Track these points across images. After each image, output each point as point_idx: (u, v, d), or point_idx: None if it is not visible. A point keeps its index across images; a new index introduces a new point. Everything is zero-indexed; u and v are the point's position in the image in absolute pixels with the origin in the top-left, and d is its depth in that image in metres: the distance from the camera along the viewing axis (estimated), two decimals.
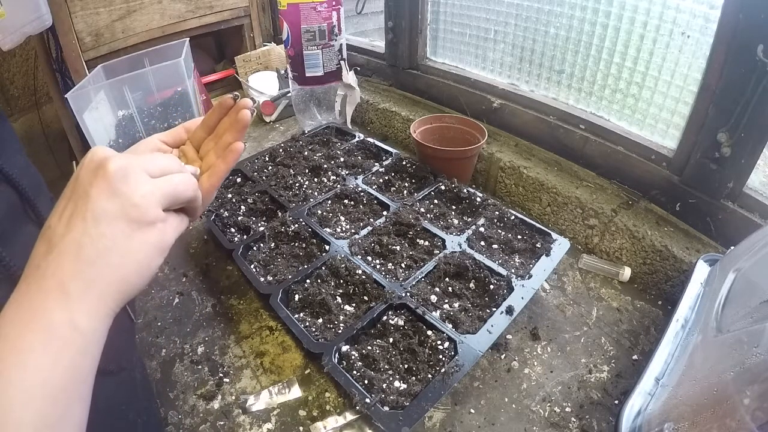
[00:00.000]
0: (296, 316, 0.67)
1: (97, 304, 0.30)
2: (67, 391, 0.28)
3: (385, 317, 0.66)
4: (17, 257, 0.38)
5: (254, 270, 0.74)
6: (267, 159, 1.03)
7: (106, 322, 0.31)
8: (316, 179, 0.96)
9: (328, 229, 0.81)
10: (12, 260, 0.37)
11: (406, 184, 0.94)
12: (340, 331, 0.64)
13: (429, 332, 0.63)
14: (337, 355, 0.60)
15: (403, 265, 0.74)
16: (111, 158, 0.32)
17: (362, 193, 0.89)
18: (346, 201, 0.89)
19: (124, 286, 0.32)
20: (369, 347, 0.61)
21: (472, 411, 0.59)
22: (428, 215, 0.84)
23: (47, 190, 0.49)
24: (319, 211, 0.85)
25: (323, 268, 0.73)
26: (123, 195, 0.32)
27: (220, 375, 0.64)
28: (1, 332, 0.28)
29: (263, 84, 1.39)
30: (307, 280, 0.72)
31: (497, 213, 0.82)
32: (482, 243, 0.78)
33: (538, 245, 0.76)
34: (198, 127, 0.48)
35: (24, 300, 0.29)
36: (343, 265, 0.72)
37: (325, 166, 0.97)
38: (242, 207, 0.88)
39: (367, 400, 0.54)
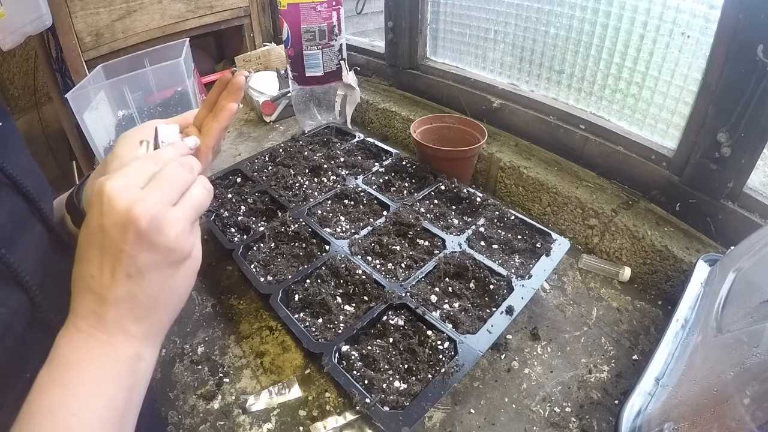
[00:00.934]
0: (296, 316, 0.67)
1: (155, 338, 0.35)
2: (128, 416, 0.32)
3: (385, 317, 0.66)
4: (24, 260, 0.38)
5: (254, 270, 0.74)
6: (267, 159, 1.03)
7: (159, 348, 0.35)
8: (316, 179, 0.96)
9: (328, 229, 0.81)
10: (19, 264, 0.37)
11: (406, 184, 0.94)
12: (340, 331, 0.64)
13: (429, 332, 0.63)
14: (337, 355, 0.60)
15: (403, 265, 0.74)
16: (137, 210, 0.31)
17: (362, 193, 0.89)
18: (346, 201, 0.89)
19: (174, 314, 0.36)
20: (369, 347, 0.61)
21: (472, 411, 0.59)
22: (428, 215, 0.84)
23: (50, 190, 0.49)
24: (319, 211, 0.85)
25: (323, 268, 0.73)
26: (161, 245, 0.32)
27: (220, 375, 0.64)
28: (69, 369, 0.30)
29: (263, 84, 1.40)
30: (307, 280, 0.72)
31: (497, 213, 0.82)
32: (482, 243, 0.78)
33: (538, 245, 0.76)
34: (201, 108, 0.48)
35: (89, 342, 0.31)
36: (343, 265, 0.72)
37: (325, 166, 0.97)
38: (242, 207, 0.88)
39: (367, 400, 0.54)
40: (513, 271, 0.71)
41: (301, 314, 0.67)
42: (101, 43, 1.23)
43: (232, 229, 0.84)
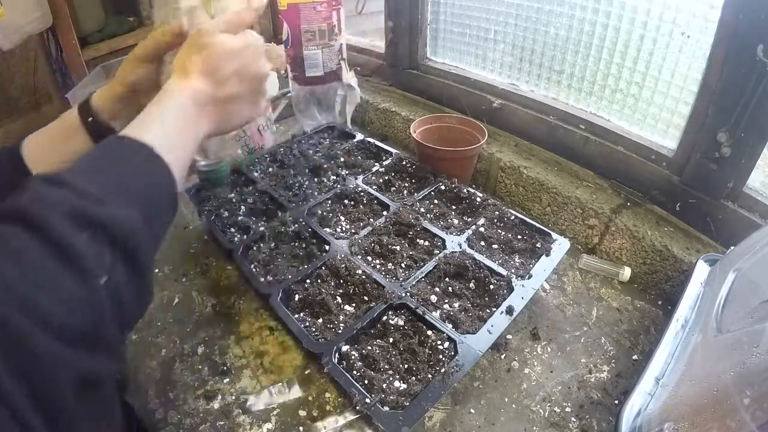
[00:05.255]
0: (296, 316, 0.67)
1: (208, 125, 0.44)
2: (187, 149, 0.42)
3: (385, 317, 0.66)
4: None
5: (254, 270, 0.74)
6: (267, 159, 1.03)
7: (201, 137, 0.43)
8: (316, 179, 0.96)
9: (328, 229, 0.81)
10: None
11: (406, 184, 0.94)
12: (340, 331, 0.64)
13: (429, 332, 0.63)
14: (337, 355, 0.60)
15: (403, 265, 0.74)
16: (263, 56, 0.47)
17: (362, 193, 0.89)
18: (346, 201, 0.89)
19: (224, 129, 0.47)
20: (369, 347, 0.61)
21: (472, 411, 0.59)
22: (428, 215, 0.84)
23: None
24: (319, 211, 0.85)
25: (323, 268, 0.73)
26: (264, 73, 0.47)
27: (220, 375, 0.64)
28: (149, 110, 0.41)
29: None
30: (307, 280, 0.72)
31: (497, 213, 0.82)
32: (482, 243, 0.78)
33: (538, 245, 0.76)
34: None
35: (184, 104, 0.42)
36: (343, 265, 0.72)
37: (325, 166, 0.97)
38: (242, 207, 0.88)
39: (367, 400, 0.54)
40: (513, 271, 0.71)
41: (301, 314, 0.67)
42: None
43: (232, 229, 0.84)
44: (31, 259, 0.26)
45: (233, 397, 0.61)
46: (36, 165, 0.49)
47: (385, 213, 0.84)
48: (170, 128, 0.40)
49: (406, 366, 0.60)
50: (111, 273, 0.29)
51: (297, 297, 0.70)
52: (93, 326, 0.27)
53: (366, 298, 0.69)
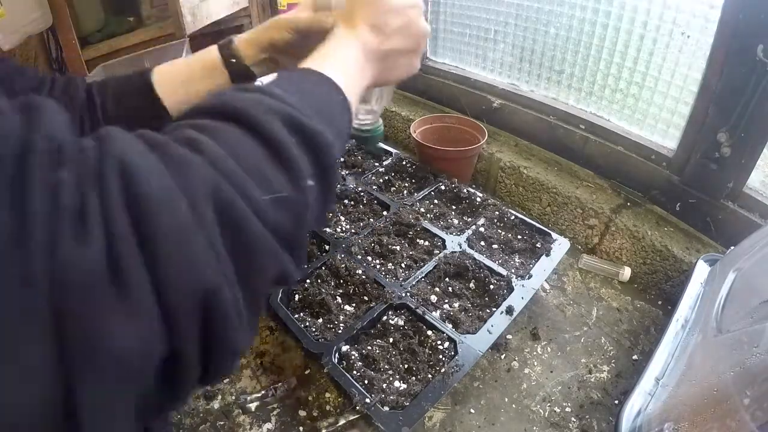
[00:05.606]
0: (296, 316, 0.66)
1: (371, 76, 0.44)
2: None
3: (385, 317, 0.65)
4: None
5: None
6: None
7: (363, 87, 0.44)
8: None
9: (328, 229, 0.81)
10: None
11: (406, 184, 0.94)
12: (340, 331, 0.64)
13: (429, 332, 0.63)
14: (337, 355, 0.60)
15: (403, 265, 0.74)
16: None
17: (362, 193, 0.89)
18: (346, 201, 0.89)
19: (381, 83, 0.47)
20: (369, 347, 0.61)
21: (472, 411, 0.59)
22: (428, 215, 0.84)
23: None
24: None
25: (323, 268, 0.73)
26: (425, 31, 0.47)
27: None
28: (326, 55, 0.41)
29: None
30: (307, 280, 0.72)
31: (497, 213, 0.82)
32: (482, 243, 0.78)
33: (538, 245, 0.76)
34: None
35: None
36: (343, 265, 0.72)
37: None
38: None
39: (367, 400, 0.54)
40: (513, 271, 0.71)
41: (301, 314, 0.67)
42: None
43: None
44: (248, 154, 0.27)
45: (233, 397, 0.61)
46: (168, 96, 0.51)
47: (385, 213, 0.84)
48: (347, 72, 0.41)
49: (406, 366, 0.60)
50: (315, 180, 0.30)
51: (297, 297, 0.70)
52: (295, 227, 0.28)
53: (366, 298, 0.69)
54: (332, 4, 0.50)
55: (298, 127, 0.30)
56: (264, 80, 0.35)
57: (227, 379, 0.63)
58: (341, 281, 0.71)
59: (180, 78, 0.53)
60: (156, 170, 0.22)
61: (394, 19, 0.44)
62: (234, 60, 0.52)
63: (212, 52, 0.53)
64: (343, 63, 0.41)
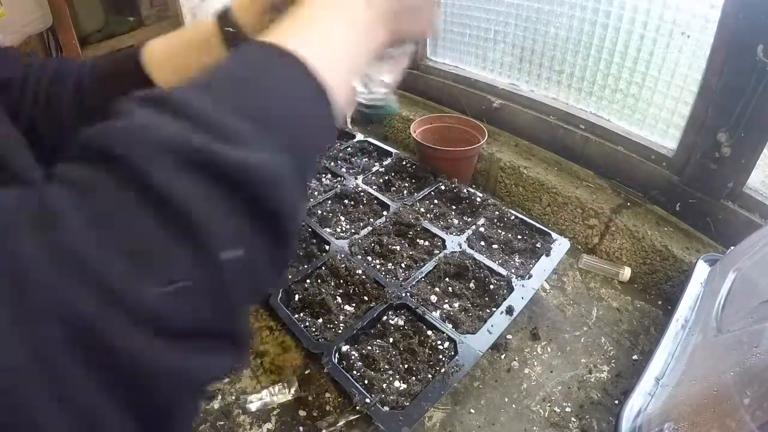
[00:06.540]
0: (296, 316, 0.66)
1: (384, 33, 0.34)
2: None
3: (385, 317, 0.65)
4: None
5: None
6: None
7: (373, 48, 0.34)
8: (316, 179, 0.96)
9: (328, 229, 0.81)
10: None
11: (406, 184, 0.94)
12: (340, 331, 0.64)
13: (429, 332, 0.63)
14: (337, 355, 0.60)
15: (403, 265, 0.74)
16: None
17: (362, 193, 0.89)
18: (346, 201, 0.89)
19: (396, 36, 0.36)
20: (369, 347, 0.61)
21: (472, 411, 0.59)
22: (428, 215, 0.84)
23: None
24: (319, 211, 0.85)
25: (323, 268, 0.73)
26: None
27: None
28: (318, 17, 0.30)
29: None
30: (307, 280, 0.72)
31: (497, 213, 0.82)
32: (482, 243, 0.78)
33: (538, 245, 0.76)
34: None
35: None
36: (343, 265, 0.72)
37: (326, 166, 0.97)
38: None
39: (367, 400, 0.54)
40: (513, 271, 0.71)
41: (301, 314, 0.67)
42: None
43: None
44: (126, 224, 0.18)
45: (233, 397, 0.61)
46: (159, 73, 0.44)
47: (385, 213, 0.84)
48: (333, 38, 0.30)
49: (406, 366, 0.60)
50: (244, 245, 0.20)
51: (297, 297, 0.70)
52: (224, 321, 0.20)
53: (366, 298, 0.69)
54: None
55: (208, 164, 0.20)
56: (197, 78, 0.25)
57: (227, 379, 0.63)
58: (341, 281, 0.71)
59: (174, 52, 0.46)
60: None
61: None
62: (230, 29, 0.45)
63: (207, 21, 0.45)
64: (330, 29, 0.30)
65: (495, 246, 0.78)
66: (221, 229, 0.20)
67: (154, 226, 0.18)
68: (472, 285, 0.70)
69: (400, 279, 0.70)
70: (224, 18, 0.45)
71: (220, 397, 0.61)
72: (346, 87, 0.31)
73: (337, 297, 0.69)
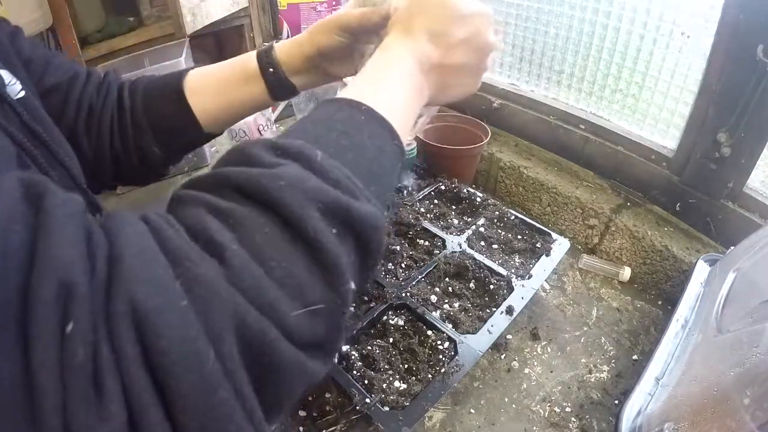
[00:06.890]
0: None
1: (429, 95, 0.39)
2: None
3: (385, 317, 0.65)
4: None
5: None
6: None
7: (420, 107, 0.38)
8: None
9: None
10: None
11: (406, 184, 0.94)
12: None
13: (429, 332, 0.62)
14: (337, 355, 0.60)
15: (403, 265, 0.74)
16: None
17: None
18: None
19: (439, 102, 0.43)
20: (369, 347, 0.61)
21: (472, 411, 0.59)
22: (428, 215, 0.84)
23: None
24: None
25: None
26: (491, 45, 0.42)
27: None
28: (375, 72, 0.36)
29: None
30: None
31: (497, 213, 0.82)
32: (482, 243, 0.78)
33: (538, 245, 0.76)
34: None
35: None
36: None
37: None
38: None
39: (367, 400, 0.54)
40: (513, 271, 0.71)
41: None
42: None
43: None
44: (280, 257, 0.22)
45: None
46: (199, 102, 0.48)
47: (384, 213, 0.84)
48: (397, 98, 0.34)
49: (406, 366, 0.60)
50: (354, 278, 0.25)
51: None
52: (330, 333, 0.25)
53: (366, 298, 0.69)
54: None
55: (343, 214, 0.24)
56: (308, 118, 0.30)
57: None
58: None
59: (216, 84, 0.49)
60: (175, 311, 0.19)
61: (459, 29, 0.38)
62: (272, 69, 0.48)
63: (251, 58, 0.49)
64: (399, 86, 0.35)
65: (495, 246, 0.78)
66: (347, 265, 0.24)
67: (304, 262, 0.23)
68: (472, 285, 0.70)
69: (400, 279, 0.70)
70: (266, 57, 0.49)
71: None
72: (405, 138, 0.35)
73: None
